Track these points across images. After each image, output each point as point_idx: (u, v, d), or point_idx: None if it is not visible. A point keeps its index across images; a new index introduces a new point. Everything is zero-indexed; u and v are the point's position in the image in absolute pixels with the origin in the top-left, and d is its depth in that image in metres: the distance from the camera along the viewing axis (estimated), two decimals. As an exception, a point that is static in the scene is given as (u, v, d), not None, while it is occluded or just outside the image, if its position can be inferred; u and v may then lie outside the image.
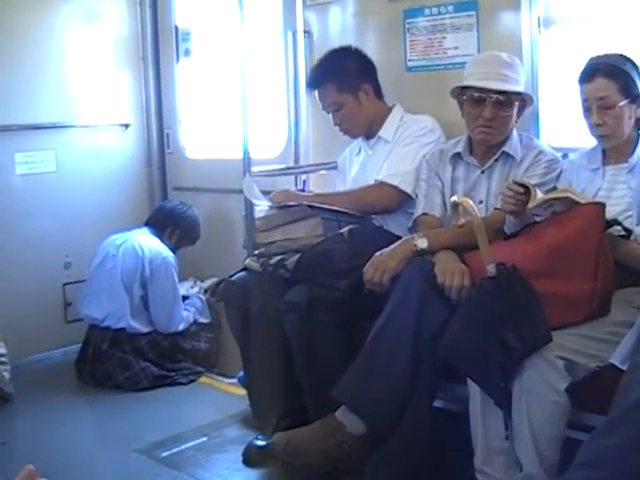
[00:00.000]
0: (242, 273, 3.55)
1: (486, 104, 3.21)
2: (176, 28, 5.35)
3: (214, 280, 4.94)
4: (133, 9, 5.40)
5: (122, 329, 4.57)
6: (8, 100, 4.90)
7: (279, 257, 3.34)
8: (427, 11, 3.94)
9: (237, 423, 3.94)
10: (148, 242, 4.72)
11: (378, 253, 3.11)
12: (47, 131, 5.06)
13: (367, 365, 2.98)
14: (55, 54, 5.11)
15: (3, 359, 4.40)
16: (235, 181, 4.21)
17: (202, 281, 5.09)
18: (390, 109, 3.81)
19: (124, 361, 4.52)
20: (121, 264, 4.62)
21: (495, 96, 3.20)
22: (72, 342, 4.91)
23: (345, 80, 3.71)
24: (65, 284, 5.17)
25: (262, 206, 3.56)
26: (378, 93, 3.82)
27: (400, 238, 3.24)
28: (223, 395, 4.41)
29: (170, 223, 4.88)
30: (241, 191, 3.94)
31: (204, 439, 3.80)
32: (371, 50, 3.99)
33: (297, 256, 3.28)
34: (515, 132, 3.36)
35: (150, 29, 5.42)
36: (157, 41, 5.44)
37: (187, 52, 5.34)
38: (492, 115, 3.22)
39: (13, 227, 4.94)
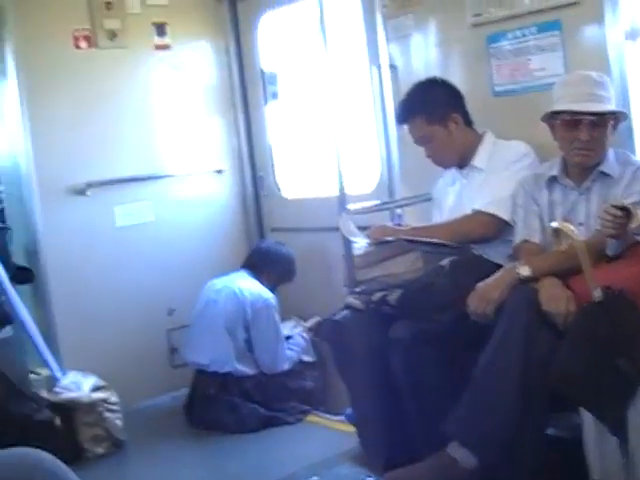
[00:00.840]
0: (344, 311, 3.56)
1: (581, 127, 3.16)
2: (262, 72, 5.44)
3: (316, 319, 4.98)
4: (220, 57, 5.52)
5: (229, 373, 4.61)
6: (105, 155, 5.05)
7: (381, 293, 3.34)
8: (510, 35, 3.91)
9: (348, 461, 3.91)
10: (248, 285, 4.77)
11: (480, 284, 3.09)
12: (144, 183, 5.19)
13: (476, 398, 2.95)
14: (148, 106, 5.26)
15: (115, 407, 4.50)
16: (331, 218, 4.22)
17: (304, 320, 5.11)
18: (481, 136, 3.79)
19: (232, 404, 4.57)
20: (223, 309, 4.68)
21: (590, 118, 3.15)
22: (179, 387, 4.99)
23: (433, 111, 3.70)
24: (169, 330, 5.26)
25: (360, 243, 3.57)
26: (467, 121, 3.80)
27: (501, 267, 3.21)
28: (332, 433, 4.41)
29: (267, 263, 4.93)
30: (338, 228, 3.95)
31: (315, 478, 3.80)
32: (456, 78, 3.99)
33: (399, 291, 3.28)
34: (611, 150, 3.31)
35: (237, 75, 5.54)
36: (245, 86, 5.54)
37: (274, 95, 5.42)
38: (588, 137, 3.16)
39: (116, 278, 5.07)
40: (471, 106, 3.82)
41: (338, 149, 4.04)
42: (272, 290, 4.86)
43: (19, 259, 4.85)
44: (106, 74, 5.06)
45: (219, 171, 5.50)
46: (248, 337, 4.70)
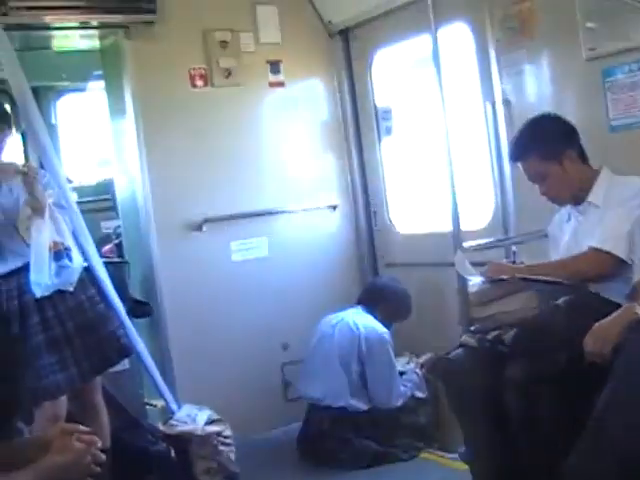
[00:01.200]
0: (459, 349, 3.51)
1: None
2: (375, 108, 5.46)
3: (430, 355, 4.93)
4: (333, 93, 5.58)
5: (342, 407, 4.61)
6: (221, 191, 5.17)
7: (496, 332, 3.29)
8: (626, 67, 3.82)
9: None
10: (363, 320, 4.78)
11: (597, 324, 3.00)
12: (259, 218, 5.28)
13: (595, 442, 2.86)
14: (263, 143, 5.36)
15: (228, 440, 4.54)
16: (445, 254, 4.21)
17: (417, 356, 5.07)
18: (597, 172, 3.69)
19: (345, 439, 4.57)
20: (337, 343, 4.69)
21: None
22: (293, 420, 5.01)
23: (547, 149, 3.63)
24: (284, 364, 5.29)
25: (475, 280, 3.53)
26: (583, 157, 3.71)
27: (619, 306, 3.12)
28: (445, 470, 4.37)
29: (382, 299, 4.92)
30: (452, 264, 3.91)
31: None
32: (571, 113, 3.91)
33: (514, 331, 3.22)
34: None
35: (350, 111, 5.58)
36: (358, 122, 5.57)
37: (388, 130, 5.44)
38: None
39: (232, 312, 5.15)
40: (586, 141, 3.73)
41: (452, 185, 4.02)
42: (387, 326, 4.84)
43: (137, 293, 4.97)
44: (221, 111, 5.18)
45: (333, 207, 5.53)
46: (362, 372, 4.70)
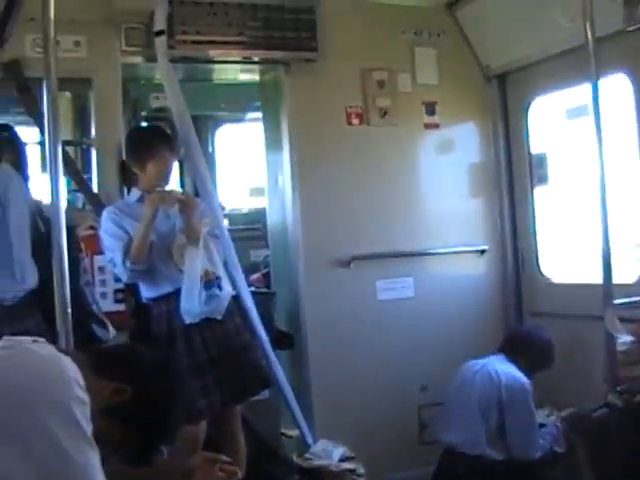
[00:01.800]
0: (603, 409, 3.42)
1: None
2: (530, 154, 5.40)
3: (572, 411, 4.77)
4: (487, 137, 5.54)
5: (478, 456, 4.53)
6: (370, 230, 5.20)
7: (643, 394, 3.20)
8: None
9: None
10: (504, 368, 4.68)
11: None
12: (407, 258, 5.28)
13: None
14: (415, 184, 5.38)
15: (361, 479, 4.53)
16: (594, 307, 4.07)
17: (558, 409, 4.93)
18: None
19: (477, 488, 4.49)
20: (477, 390, 4.62)
21: None
22: (426, 464, 4.91)
23: None
24: (421, 406, 5.25)
25: (624, 338, 3.43)
26: None
27: None
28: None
29: (525, 348, 4.81)
30: (601, 318, 3.82)
31: None
32: None
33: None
34: None
35: (504, 156, 5.52)
36: (511, 167, 5.51)
37: (541, 177, 5.35)
38: None
39: (373, 350, 5.16)
40: None
41: (606, 237, 3.91)
42: (528, 375, 4.73)
43: (281, 324, 5.04)
44: (375, 150, 5.22)
45: (481, 251, 5.47)
46: (501, 421, 4.60)
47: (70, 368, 2.01)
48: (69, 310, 2.82)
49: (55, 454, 1.88)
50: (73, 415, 1.92)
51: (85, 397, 1.98)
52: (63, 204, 2.88)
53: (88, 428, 1.96)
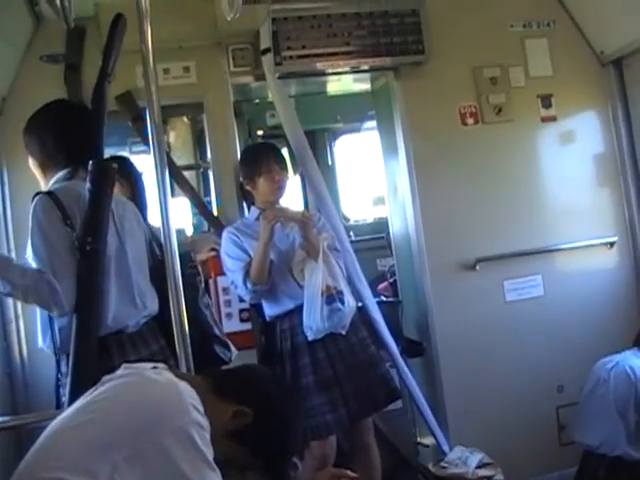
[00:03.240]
0: None
1: None
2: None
3: None
4: (608, 125, 5.36)
5: (619, 457, 4.38)
6: (494, 230, 5.10)
7: None
8: None
9: None
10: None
11: None
12: (533, 257, 5.14)
13: None
14: (535, 179, 5.25)
15: (501, 486, 4.46)
16: None
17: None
18: None
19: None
20: (613, 388, 4.46)
21: None
22: (568, 465, 4.81)
23: None
24: (559, 407, 5.12)
25: None
26: None
27: None
28: None
29: (658, 340, 4.65)
30: None
31: None
32: None
33: None
34: None
35: (627, 143, 5.31)
36: (635, 154, 5.31)
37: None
38: None
39: (505, 352, 5.05)
40: None
41: None
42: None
43: (410, 332, 5.01)
44: (493, 148, 5.13)
45: (610, 243, 5.29)
46: (640, 420, 4.45)
47: (187, 393, 2.04)
48: (187, 334, 2.88)
49: (175, 476, 1.91)
50: (192, 439, 1.95)
51: (204, 421, 2.01)
52: (174, 228, 2.94)
53: (208, 452, 1.98)
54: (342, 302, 4.01)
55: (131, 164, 4.15)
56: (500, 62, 5.16)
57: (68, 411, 2.11)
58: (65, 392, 2.98)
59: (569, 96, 5.29)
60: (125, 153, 5.17)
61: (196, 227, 5.79)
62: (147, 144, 2.97)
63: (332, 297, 3.98)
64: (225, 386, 2.21)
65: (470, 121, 5.12)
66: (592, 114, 5.38)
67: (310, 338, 3.99)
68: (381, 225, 6.47)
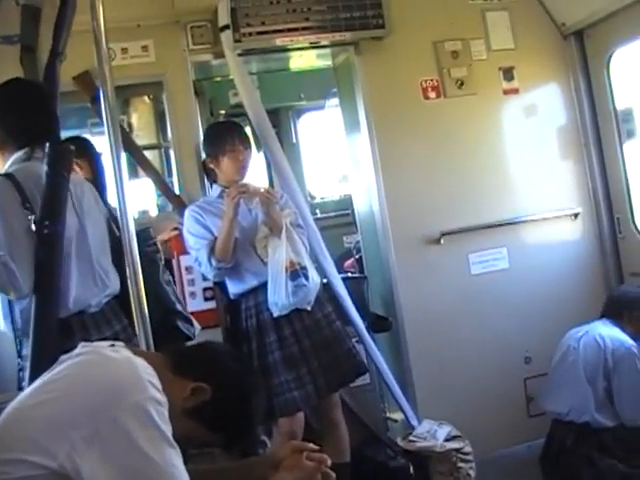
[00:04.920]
0: None
1: None
2: (615, 110, 5.20)
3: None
4: (570, 97, 5.36)
5: (586, 423, 4.42)
6: (458, 203, 5.11)
7: None
8: None
9: None
10: (609, 332, 4.55)
11: None
12: (497, 229, 5.15)
13: None
14: (498, 152, 5.25)
15: (468, 457, 4.50)
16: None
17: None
18: None
19: (588, 458, 4.37)
20: (583, 357, 4.50)
21: None
22: (536, 437, 4.84)
23: None
24: (526, 379, 5.15)
25: None
26: None
27: None
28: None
29: (625, 308, 4.66)
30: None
31: None
32: None
33: None
34: None
35: (589, 115, 5.32)
36: (597, 126, 5.33)
37: (630, 133, 5.17)
38: None
39: (471, 326, 5.08)
40: None
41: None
42: (635, 338, 4.59)
43: (376, 307, 5.01)
44: (455, 122, 5.13)
45: (574, 215, 5.31)
46: (609, 387, 4.47)
47: (144, 370, 2.02)
48: (146, 312, 2.86)
49: (134, 455, 1.90)
50: (150, 416, 1.93)
51: (162, 398, 1.99)
52: (130, 208, 2.91)
53: (167, 428, 1.97)
54: (306, 278, 4.00)
55: (91, 145, 4.10)
56: (461, 35, 5.15)
57: (26, 391, 2.09)
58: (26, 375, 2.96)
59: (531, 68, 5.29)
60: (86, 134, 5.11)
61: (160, 208, 5.74)
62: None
63: (296, 273, 3.97)
64: (183, 363, 2.19)
65: (432, 95, 5.11)
66: (554, 86, 5.38)
67: (275, 314, 3.98)
68: (347, 202, 6.44)
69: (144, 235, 3.47)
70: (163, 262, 3.76)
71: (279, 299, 3.94)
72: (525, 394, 5.14)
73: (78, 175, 3.58)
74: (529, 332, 5.12)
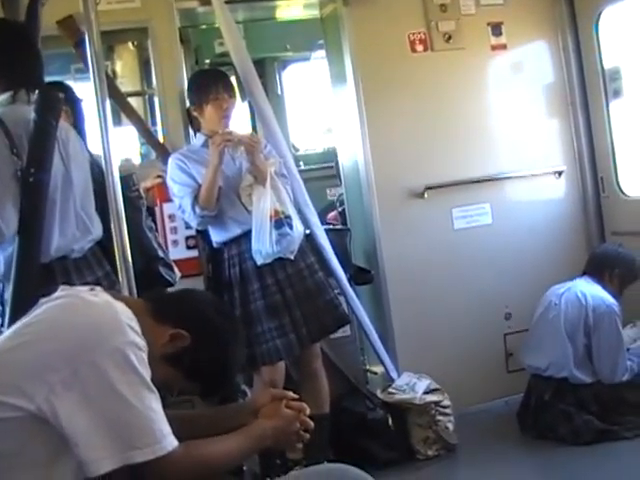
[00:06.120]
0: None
1: None
2: (603, 69, 5.19)
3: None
4: (557, 55, 5.35)
5: (564, 378, 4.47)
6: (443, 158, 5.12)
7: None
8: None
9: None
10: (591, 290, 4.58)
11: None
12: (482, 185, 5.16)
13: None
14: (485, 107, 5.25)
15: (447, 410, 4.52)
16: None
17: (644, 328, 4.81)
18: None
19: (566, 413, 4.42)
20: (564, 313, 4.53)
21: None
22: (514, 392, 4.89)
23: None
24: (506, 334, 5.19)
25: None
26: None
27: None
28: (671, 451, 4.12)
29: (606, 266, 4.69)
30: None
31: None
32: None
33: None
34: None
35: (576, 73, 5.32)
36: (584, 84, 5.31)
37: (617, 92, 5.15)
38: None
39: (453, 281, 5.10)
40: None
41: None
42: (615, 296, 4.61)
43: (359, 260, 5.02)
44: (442, 76, 5.11)
45: (559, 173, 5.31)
46: (588, 343, 4.51)
47: (124, 314, 2.02)
48: (129, 257, 2.85)
49: (112, 398, 1.89)
50: (129, 359, 1.93)
51: (141, 342, 1.99)
52: (114, 154, 2.90)
53: (146, 373, 1.96)
54: (290, 227, 3.98)
55: (71, 91, 4.05)
56: (450, -12, 5.09)
57: (5, 334, 2.08)
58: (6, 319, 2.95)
59: (520, 25, 5.27)
60: (69, 81, 5.04)
61: (144, 156, 5.71)
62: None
63: (280, 222, 3.95)
64: (163, 309, 2.18)
65: (419, 48, 5.08)
66: (542, 43, 5.36)
67: (259, 263, 3.97)
68: (331, 155, 6.42)
69: (127, 181, 3.44)
70: (146, 208, 3.74)
71: (263, 247, 3.93)
72: (505, 349, 5.19)
73: (62, 121, 3.54)
74: (510, 288, 5.16)
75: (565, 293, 4.61)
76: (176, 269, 3.74)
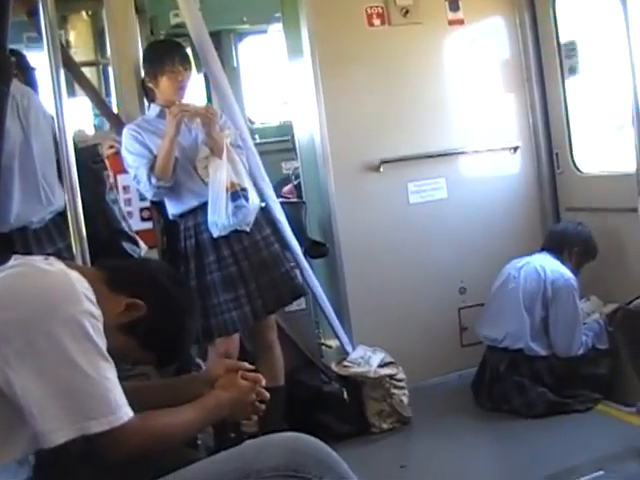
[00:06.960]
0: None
1: None
2: (559, 45, 5.20)
3: (614, 306, 4.68)
4: (514, 31, 5.35)
5: (520, 350, 4.51)
6: (399, 132, 5.10)
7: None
8: None
9: (637, 457, 3.68)
10: (550, 264, 4.62)
11: None
12: (438, 159, 5.17)
13: None
14: (442, 82, 5.24)
15: (401, 384, 4.55)
16: (629, 198, 3.99)
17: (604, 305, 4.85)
18: None
19: (520, 385, 4.47)
20: (522, 285, 4.57)
21: None
22: (468, 366, 4.93)
23: None
24: (460, 308, 5.22)
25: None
26: None
27: None
28: (622, 425, 4.18)
29: (565, 244, 4.73)
30: (635, 210, 3.73)
31: (600, 473, 3.58)
32: None
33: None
34: None
35: (533, 48, 5.32)
36: (541, 60, 5.33)
37: (572, 68, 5.18)
38: None
39: (408, 255, 5.11)
40: None
41: (638, 124, 3.80)
42: (574, 272, 4.65)
43: (314, 233, 5.01)
44: (399, 51, 5.09)
45: (514, 148, 5.34)
46: (546, 316, 4.55)
47: (79, 283, 1.99)
48: (83, 229, 2.81)
49: (67, 368, 1.87)
50: (84, 328, 1.91)
51: (96, 311, 1.96)
52: (69, 126, 2.84)
53: (101, 342, 1.94)
54: (246, 199, 3.97)
55: (24, 59, 3.98)
56: (408, -38, 5.07)
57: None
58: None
59: (478, 0, 5.25)
60: (22, 49, 4.96)
61: (97, 128, 5.64)
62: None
63: (237, 194, 3.94)
64: (119, 278, 2.16)
65: (377, 22, 5.05)
66: (500, 18, 5.36)
67: (215, 235, 3.95)
68: (286, 128, 6.41)
69: (92, 152, 3.39)
70: (111, 180, 3.70)
71: (219, 219, 3.91)
72: (459, 324, 5.22)
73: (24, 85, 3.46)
74: (465, 263, 5.19)
75: (524, 267, 4.65)
76: (141, 242, 3.70)
